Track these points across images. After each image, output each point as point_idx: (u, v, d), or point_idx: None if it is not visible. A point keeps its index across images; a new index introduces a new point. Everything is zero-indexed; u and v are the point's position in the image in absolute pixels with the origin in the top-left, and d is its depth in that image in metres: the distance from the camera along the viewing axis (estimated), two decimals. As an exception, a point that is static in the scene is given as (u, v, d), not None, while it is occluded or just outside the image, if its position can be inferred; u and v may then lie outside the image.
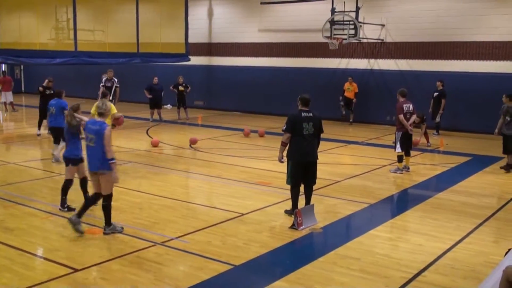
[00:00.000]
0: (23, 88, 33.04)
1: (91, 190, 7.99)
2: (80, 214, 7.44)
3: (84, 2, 17.50)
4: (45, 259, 6.69)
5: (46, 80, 16.44)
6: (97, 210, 8.53)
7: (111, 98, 17.50)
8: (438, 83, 17.37)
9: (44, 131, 16.19)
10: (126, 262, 6.57)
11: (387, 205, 9.86)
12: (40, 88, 16.28)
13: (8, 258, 6.61)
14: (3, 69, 27.11)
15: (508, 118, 12.22)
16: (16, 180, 10.79)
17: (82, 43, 17.42)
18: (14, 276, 6.10)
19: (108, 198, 7.48)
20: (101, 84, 17.88)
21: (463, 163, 13.35)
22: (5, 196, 9.43)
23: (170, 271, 6.38)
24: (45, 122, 15.19)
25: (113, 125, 12.75)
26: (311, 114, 8.34)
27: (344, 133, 18.34)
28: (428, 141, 15.36)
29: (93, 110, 12.16)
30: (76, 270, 6.28)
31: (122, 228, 7.65)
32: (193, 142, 15.08)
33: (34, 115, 21.97)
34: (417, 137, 14.79)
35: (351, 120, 20.25)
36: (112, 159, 7.28)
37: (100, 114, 7.45)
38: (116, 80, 17.99)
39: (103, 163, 7.26)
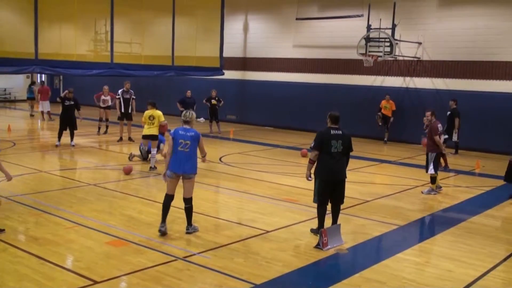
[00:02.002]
0: (61, 98, 33.75)
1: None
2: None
3: (122, 15, 17.84)
4: (66, 269, 6.68)
5: (66, 91, 16.67)
6: (119, 220, 8.54)
7: (129, 110, 17.71)
8: (451, 102, 16.93)
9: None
10: (146, 276, 6.50)
11: (417, 228, 9.56)
12: (58, 99, 16.56)
13: (30, 267, 6.62)
14: (42, 79, 27.77)
15: None
16: (46, 188, 10.92)
17: (118, 55, 17.73)
18: (34, 285, 6.09)
19: (191, 201, 8.18)
20: (117, 96, 18.00)
21: (499, 186, 12.88)
22: (33, 204, 9.52)
23: (189, 287, 6.27)
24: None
25: (161, 133, 13.56)
26: (340, 132, 8.17)
27: (377, 151, 18.03)
28: (446, 164, 14.48)
29: (143, 118, 13.20)
30: (95, 282, 6.24)
31: (198, 228, 8.35)
32: (126, 171, 12.52)
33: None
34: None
35: (385, 139, 19.88)
36: (205, 153, 8.46)
37: (187, 122, 8.19)
38: (132, 91, 18.14)
39: (193, 167, 8.03)
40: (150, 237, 7.90)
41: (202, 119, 23.92)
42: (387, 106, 19.64)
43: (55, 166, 13.59)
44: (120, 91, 18.01)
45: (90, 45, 18.16)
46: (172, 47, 19.22)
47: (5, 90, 33.11)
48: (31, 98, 25.76)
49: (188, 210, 8.19)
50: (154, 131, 13.15)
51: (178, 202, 9.63)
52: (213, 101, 20.99)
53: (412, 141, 19.27)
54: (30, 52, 15.32)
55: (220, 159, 15.17)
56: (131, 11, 18.59)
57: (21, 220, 8.62)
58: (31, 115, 25.08)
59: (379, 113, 19.58)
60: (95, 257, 7.04)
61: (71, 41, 16.93)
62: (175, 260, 7.07)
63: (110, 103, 19.29)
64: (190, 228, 8.21)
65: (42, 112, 23.57)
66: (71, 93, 16.43)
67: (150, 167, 13.08)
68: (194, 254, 7.30)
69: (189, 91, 20.76)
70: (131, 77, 19.41)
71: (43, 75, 29.64)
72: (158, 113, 13.12)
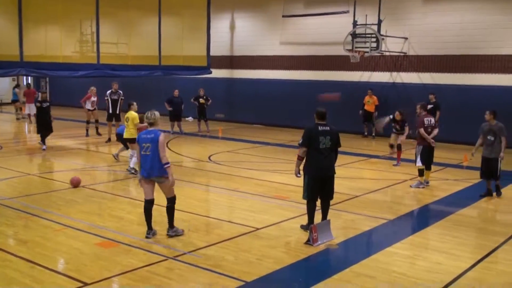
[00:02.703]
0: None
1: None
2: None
3: (107, 15, 17.72)
4: (55, 272, 6.63)
5: (39, 93, 16.66)
6: (108, 221, 8.51)
7: (117, 111, 17.63)
8: (431, 96, 17.22)
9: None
10: (136, 276, 6.48)
11: (407, 221, 9.61)
12: (37, 103, 16.49)
13: (19, 270, 6.58)
14: (28, 82, 27.55)
15: (491, 138, 10.96)
16: (34, 191, 10.84)
17: (104, 56, 17.62)
18: (23, 289, 6.06)
19: (172, 200, 7.89)
20: (105, 98, 17.93)
21: (487, 179, 12.97)
22: (21, 208, 9.45)
23: (180, 287, 6.26)
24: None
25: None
26: (328, 128, 8.18)
27: (365, 147, 18.10)
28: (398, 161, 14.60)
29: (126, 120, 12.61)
30: (85, 284, 6.21)
31: (183, 230, 8.01)
32: (74, 183, 11.11)
33: (57, 127, 22.27)
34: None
35: (373, 134, 19.98)
36: (167, 163, 7.62)
37: (151, 124, 7.82)
38: (121, 92, 18.07)
39: (160, 170, 7.61)
40: (139, 237, 7.87)
41: (190, 118, 23.93)
42: (369, 101, 19.76)
43: (43, 169, 13.49)
44: (108, 92, 17.93)
45: (76, 46, 18.02)
46: (159, 46, 19.15)
47: (-10, 93, 32.79)
48: (15, 101, 25.55)
49: (169, 210, 7.90)
50: (129, 133, 12.49)
51: (165, 201, 9.61)
52: (201, 100, 20.97)
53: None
54: (15, 54, 15.18)
55: (209, 158, 15.15)
56: (117, 11, 18.47)
57: (9, 223, 8.55)
58: (17, 119, 24.80)
59: (361, 110, 19.75)
60: (85, 259, 7.01)
61: (57, 43, 16.80)
62: (165, 259, 7.05)
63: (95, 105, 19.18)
64: (171, 230, 7.90)
65: (29, 115, 23.34)
66: (45, 94, 16.68)
67: (127, 169, 12.70)
68: (184, 253, 7.28)
69: (176, 91, 20.70)
70: (119, 77, 19.33)
71: (29, 77, 29.45)
72: (133, 114, 12.42)
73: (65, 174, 12.52)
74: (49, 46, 16.48)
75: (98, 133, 19.28)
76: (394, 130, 14.92)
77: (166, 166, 7.61)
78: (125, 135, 12.66)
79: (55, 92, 33.80)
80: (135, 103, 12.73)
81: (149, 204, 7.85)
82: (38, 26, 16.43)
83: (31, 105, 23.16)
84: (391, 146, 15.29)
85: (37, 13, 15.92)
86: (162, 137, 7.63)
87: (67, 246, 7.51)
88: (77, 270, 6.60)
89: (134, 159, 12.37)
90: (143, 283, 6.27)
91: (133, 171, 12.37)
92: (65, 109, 29.97)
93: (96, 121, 19.33)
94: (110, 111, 17.75)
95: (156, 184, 7.85)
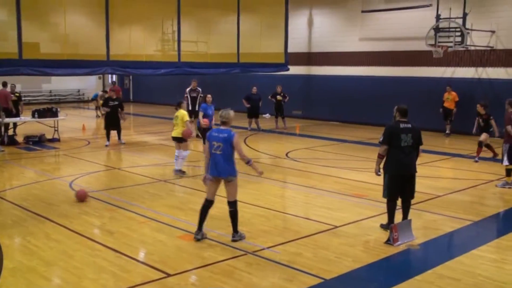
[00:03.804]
0: (131, 97, 34.92)
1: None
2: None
3: (188, 14, 18.17)
4: (140, 262, 6.92)
5: (101, 92, 16.93)
6: (190, 215, 8.73)
7: (196, 108, 17.89)
8: None
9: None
10: (217, 270, 6.62)
11: (493, 223, 9.21)
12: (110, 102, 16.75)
13: (107, 259, 6.91)
14: (114, 79, 28.75)
15: None
16: (119, 185, 11.34)
17: (185, 54, 18.09)
18: (111, 277, 6.35)
19: (235, 205, 7.65)
20: (185, 95, 18.33)
21: None
22: (108, 200, 9.91)
23: (259, 281, 6.33)
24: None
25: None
26: (409, 125, 7.99)
27: (448, 145, 17.49)
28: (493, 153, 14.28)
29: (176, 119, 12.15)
30: (168, 275, 6.43)
31: (245, 235, 7.79)
32: (79, 197, 9.89)
33: (141, 123, 23.15)
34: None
35: (447, 132, 19.28)
36: (250, 160, 7.57)
37: (224, 123, 7.65)
38: (200, 89, 18.40)
39: (230, 170, 7.50)
40: (219, 231, 8.03)
41: (268, 115, 24.09)
42: (449, 98, 19.04)
43: (127, 163, 14.06)
44: (187, 89, 18.40)
45: (157, 45, 18.63)
46: (237, 44, 19.40)
47: (78, 91, 34.57)
48: (95, 99, 26.52)
49: (233, 214, 7.65)
50: (175, 132, 12.14)
51: (244, 197, 9.75)
52: (279, 97, 21.05)
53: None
54: (101, 54, 15.90)
55: (286, 155, 15.20)
56: (197, 10, 18.89)
57: (97, 215, 8.99)
58: (98, 116, 25.68)
59: (441, 108, 19.11)
60: (168, 251, 7.25)
61: (140, 42, 17.45)
62: (244, 254, 7.16)
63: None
64: (236, 235, 7.67)
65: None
66: (114, 93, 17.03)
67: (174, 170, 12.33)
68: (263, 249, 7.36)
69: (254, 88, 20.91)
70: (198, 75, 19.78)
71: (114, 75, 30.72)
72: (183, 113, 12.06)
73: (148, 169, 12.99)
74: (133, 45, 17.13)
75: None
76: (477, 126, 14.34)
77: (249, 164, 7.55)
78: (173, 134, 12.26)
79: (136, 89, 35.17)
80: (185, 102, 12.41)
81: (208, 204, 7.69)
82: (123, 26, 17.11)
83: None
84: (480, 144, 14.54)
85: (122, 13, 16.59)
86: (236, 137, 7.50)
87: (151, 238, 7.80)
88: (161, 262, 6.84)
89: (181, 161, 12.19)
90: (223, 277, 6.40)
91: (180, 173, 12.14)
92: (146, 106, 31.12)
93: None
94: (190, 108, 18.20)
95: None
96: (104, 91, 28.00)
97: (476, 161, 14.18)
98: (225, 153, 7.45)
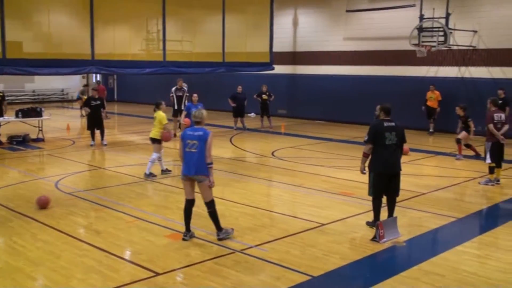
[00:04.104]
0: (116, 97, 34.75)
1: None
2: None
3: (173, 13, 18.15)
4: (129, 261, 6.93)
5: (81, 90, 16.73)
6: (177, 214, 8.74)
7: (182, 107, 17.89)
8: (500, 91, 16.48)
9: None
10: (205, 268, 6.66)
11: (476, 220, 9.36)
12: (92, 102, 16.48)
13: (95, 259, 6.90)
14: (98, 79, 28.59)
15: None
16: (106, 184, 11.32)
17: (170, 54, 18.08)
18: (99, 277, 6.35)
19: (211, 205, 7.62)
20: (171, 94, 18.34)
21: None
22: (95, 200, 9.88)
23: (248, 279, 6.38)
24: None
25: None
26: (393, 124, 8.10)
27: (432, 143, 17.68)
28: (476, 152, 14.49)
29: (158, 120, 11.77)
30: (157, 274, 6.45)
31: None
32: (41, 204, 9.29)
33: (126, 123, 23.05)
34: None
35: (431, 130, 19.52)
36: (211, 163, 7.49)
37: (198, 123, 7.63)
38: (186, 89, 18.42)
39: (204, 168, 7.43)
40: (207, 230, 8.05)
41: (253, 114, 24.14)
42: (432, 97, 19.28)
43: (113, 163, 14.00)
44: (173, 88, 18.40)
45: (142, 45, 18.59)
46: (222, 43, 19.44)
47: (62, 90, 34.29)
48: (79, 99, 26.28)
49: (212, 215, 7.63)
50: (152, 133, 11.95)
51: (231, 196, 9.79)
52: (264, 96, 21.11)
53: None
54: (86, 53, 15.84)
55: (272, 154, 15.26)
56: (182, 9, 18.89)
57: (84, 215, 8.97)
58: (82, 116, 25.49)
59: (424, 107, 19.34)
60: (156, 250, 7.27)
61: (125, 41, 17.40)
62: (233, 252, 7.20)
63: None
64: (221, 233, 7.65)
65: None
66: (96, 92, 16.87)
67: (145, 173, 11.88)
68: (251, 247, 7.41)
69: (240, 87, 20.95)
70: (183, 74, 19.76)
71: (98, 75, 30.55)
72: (161, 115, 11.77)
73: (134, 168, 12.95)
74: (118, 45, 17.07)
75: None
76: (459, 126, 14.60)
77: (209, 166, 7.46)
78: (151, 135, 12.01)
79: (121, 89, 35.01)
80: (163, 103, 12.10)
81: (189, 203, 7.70)
82: (108, 26, 17.05)
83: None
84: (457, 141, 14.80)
85: (107, 13, 16.53)
86: (211, 136, 7.47)
87: (139, 237, 7.80)
88: (149, 261, 6.85)
89: (150, 164, 11.89)
90: (212, 275, 6.44)
91: (151, 176, 11.82)
92: (131, 106, 30.99)
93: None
94: (176, 107, 18.23)
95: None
96: (85, 86, 27.82)
97: (458, 159, 14.36)
98: (199, 151, 7.41)
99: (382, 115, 8.23)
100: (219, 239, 7.62)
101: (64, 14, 16.34)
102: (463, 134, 14.36)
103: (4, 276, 6.35)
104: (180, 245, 7.48)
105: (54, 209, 9.23)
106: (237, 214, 9.05)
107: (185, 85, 19.02)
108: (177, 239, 7.69)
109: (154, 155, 11.96)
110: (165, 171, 12.23)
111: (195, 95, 15.79)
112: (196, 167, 7.43)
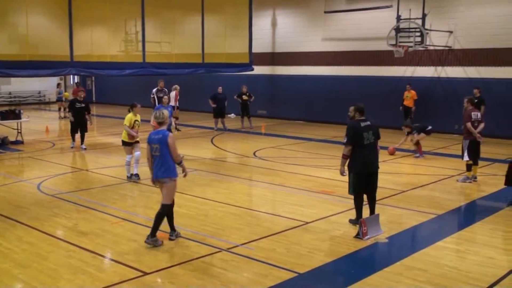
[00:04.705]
0: (94, 98, 34.49)
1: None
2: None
3: (152, 14, 18.14)
4: (116, 261, 6.96)
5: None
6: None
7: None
8: (476, 91, 16.92)
9: None
10: (192, 267, 6.73)
11: (455, 216, 9.59)
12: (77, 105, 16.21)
13: (83, 260, 6.92)
14: (76, 81, 28.35)
15: None
16: (88, 186, 11.28)
17: (149, 55, 18.06)
18: (87, 277, 6.38)
19: (165, 207, 7.51)
20: (152, 95, 18.35)
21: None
22: (78, 201, 9.87)
23: (235, 277, 6.48)
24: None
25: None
26: (369, 123, 8.27)
27: (409, 142, 17.94)
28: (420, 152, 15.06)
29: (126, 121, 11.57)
30: (145, 274, 6.50)
31: (162, 242, 7.51)
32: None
33: (104, 124, 22.93)
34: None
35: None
36: (181, 161, 7.53)
37: (160, 124, 7.59)
38: (166, 90, 18.44)
39: (166, 171, 7.41)
40: (192, 230, 8.12)
41: (233, 115, 24.22)
42: (408, 96, 19.65)
43: (94, 165, 13.94)
44: (154, 90, 18.39)
45: (121, 46, 18.53)
46: (202, 44, 19.49)
47: (39, 92, 33.92)
48: (59, 100, 26.03)
49: (157, 216, 7.45)
50: (122, 135, 11.88)
51: (215, 196, 9.87)
52: (244, 97, 21.21)
53: (445, 131, 19.07)
54: (65, 54, 15.74)
55: (254, 154, 15.37)
56: (161, 11, 18.90)
57: (68, 216, 8.95)
58: (61, 117, 25.26)
59: (401, 106, 19.67)
60: (142, 250, 7.31)
61: (104, 43, 17.33)
62: (219, 251, 7.29)
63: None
64: (149, 240, 7.41)
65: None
66: (82, 93, 16.64)
67: (127, 176, 11.83)
68: (237, 246, 7.50)
69: (220, 88, 21.02)
70: (163, 75, 19.75)
71: (76, 76, 30.30)
72: (127, 117, 11.64)
73: (116, 170, 12.92)
74: (96, 46, 16.99)
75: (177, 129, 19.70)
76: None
77: (180, 164, 7.49)
78: (122, 137, 11.92)
79: (100, 91, 34.76)
80: (139, 105, 11.82)
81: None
82: (86, 27, 16.96)
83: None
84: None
85: (85, 14, 16.45)
86: (170, 138, 7.37)
87: (125, 237, 7.83)
88: (137, 260, 6.90)
89: (127, 167, 11.81)
90: (200, 273, 6.52)
91: (133, 178, 11.69)
92: (110, 107, 30.80)
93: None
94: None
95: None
96: (58, 84, 27.43)
97: (417, 157, 14.88)
98: (161, 155, 7.36)
99: (357, 115, 8.35)
100: (146, 242, 7.42)
101: (43, 15, 16.20)
102: (421, 136, 14.92)
103: (-10, 279, 6.34)
104: (166, 244, 7.53)
105: (37, 211, 9.21)
106: (221, 213, 9.13)
107: (177, 87, 19.10)
108: (163, 239, 7.73)
109: (127, 158, 11.85)
110: (130, 177, 11.76)
111: (165, 97, 15.85)
112: (161, 171, 7.41)
